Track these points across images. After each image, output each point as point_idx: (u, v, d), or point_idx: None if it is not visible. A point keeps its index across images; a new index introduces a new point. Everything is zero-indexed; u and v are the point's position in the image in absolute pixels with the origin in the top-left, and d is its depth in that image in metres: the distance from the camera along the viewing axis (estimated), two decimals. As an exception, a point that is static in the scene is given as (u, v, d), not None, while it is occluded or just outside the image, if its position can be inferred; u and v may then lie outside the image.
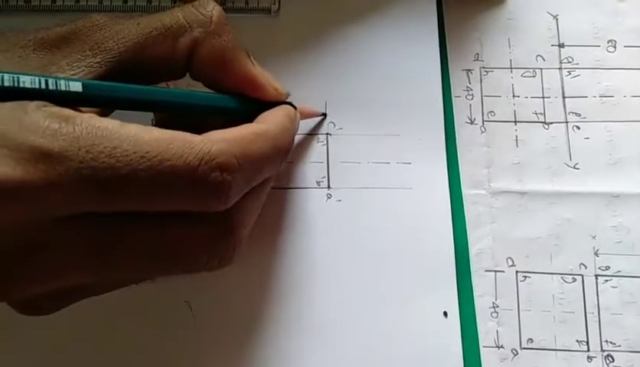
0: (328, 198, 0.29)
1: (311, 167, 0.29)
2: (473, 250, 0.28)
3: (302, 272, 0.27)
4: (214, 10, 0.23)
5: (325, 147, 0.29)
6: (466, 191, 0.29)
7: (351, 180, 0.29)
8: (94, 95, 0.20)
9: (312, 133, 0.29)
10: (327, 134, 0.30)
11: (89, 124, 0.18)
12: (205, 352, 0.26)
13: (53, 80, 0.19)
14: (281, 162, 0.24)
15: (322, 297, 0.27)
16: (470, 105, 0.30)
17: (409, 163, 0.29)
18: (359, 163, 0.29)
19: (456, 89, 0.30)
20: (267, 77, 0.24)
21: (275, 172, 0.24)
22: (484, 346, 0.26)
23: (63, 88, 0.19)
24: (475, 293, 0.27)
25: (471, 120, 0.30)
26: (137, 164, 0.18)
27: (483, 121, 0.30)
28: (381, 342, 0.26)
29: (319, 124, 0.30)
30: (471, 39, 0.31)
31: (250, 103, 0.24)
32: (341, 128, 0.30)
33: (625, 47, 0.31)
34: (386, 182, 0.29)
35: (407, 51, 0.30)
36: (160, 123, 0.24)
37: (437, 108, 0.30)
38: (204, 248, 0.20)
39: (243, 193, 0.21)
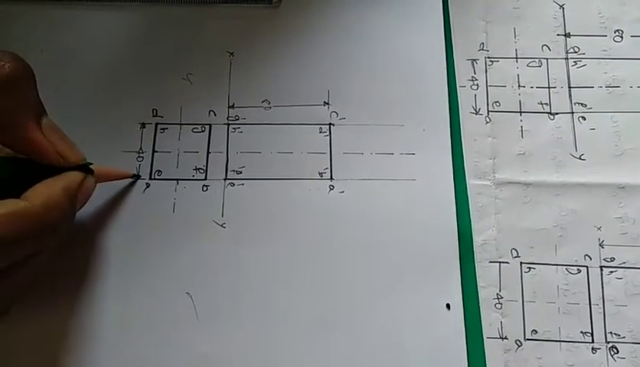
0: (331, 189, 0.28)
1: (313, 158, 0.29)
2: (477, 241, 0.28)
3: (303, 263, 0.27)
4: (4, 67, 0.23)
5: (328, 137, 0.29)
6: (471, 182, 0.29)
7: (354, 171, 0.29)
8: None
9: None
10: (329, 124, 0.29)
11: None
12: (209, 344, 0.26)
13: None
14: (50, 236, 0.23)
15: (324, 288, 0.27)
16: (475, 95, 0.30)
17: (414, 153, 0.29)
18: (362, 153, 0.29)
19: (461, 79, 0.30)
20: (53, 142, 0.24)
21: (44, 247, 0.23)
22: (487, 337, 0.26)
23: None
24: (479, 284, 0.27)
25: (476, 110, 0.30)
26: None
27: (488, 111, 0.30)
28: (384, 333, 0.26)
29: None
30: (476, 28, 0.31)
31: (35, 167, 0.24)
32: (344, 118, 0.29)
33: (632, 36, 0.30)
34: (390, 173, 0.28)
35: (412, 40, 0.30)
36: None
37: (442, 98, 0.29)
38: None
39: None
